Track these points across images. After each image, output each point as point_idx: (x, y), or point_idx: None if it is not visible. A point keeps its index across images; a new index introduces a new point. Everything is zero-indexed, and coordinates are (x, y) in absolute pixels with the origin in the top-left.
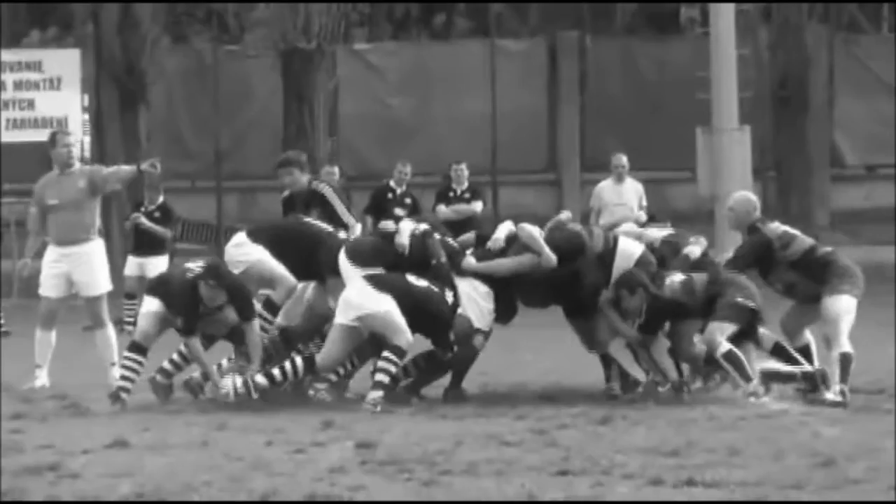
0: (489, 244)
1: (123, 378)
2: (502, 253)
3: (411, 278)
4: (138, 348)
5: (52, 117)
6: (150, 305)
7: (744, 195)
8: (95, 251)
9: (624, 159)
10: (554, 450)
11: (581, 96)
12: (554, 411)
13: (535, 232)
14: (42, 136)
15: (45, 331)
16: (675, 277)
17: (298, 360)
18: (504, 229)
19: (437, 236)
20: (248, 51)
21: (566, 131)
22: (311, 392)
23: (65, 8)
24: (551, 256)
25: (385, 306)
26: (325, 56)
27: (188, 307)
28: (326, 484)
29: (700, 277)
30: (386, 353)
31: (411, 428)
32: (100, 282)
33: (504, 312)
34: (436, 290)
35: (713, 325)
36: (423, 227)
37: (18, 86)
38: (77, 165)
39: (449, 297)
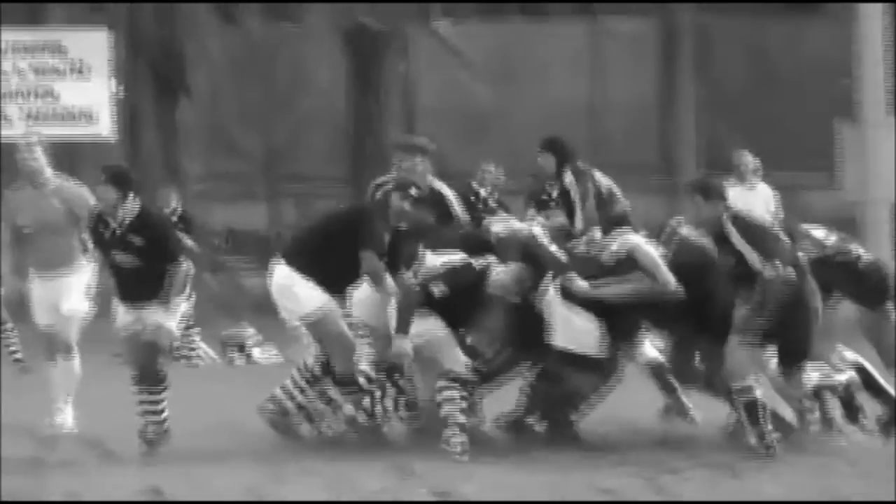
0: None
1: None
2: (613, 270)
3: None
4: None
5: (77, 109)
6: None
7: None
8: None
9: (748, 158)
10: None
11: (699, 85)
12: (667, 457)
13: (653, 254)
14: (67, 131)
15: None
16: None
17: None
18: (621, 243)
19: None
20: (307, 31)
21: (681, 125)
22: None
23: None
24: (669, 280)
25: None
26: (398, 37)
27: None
28: None
29: None
30: (443, 383)
31: (499, 476)
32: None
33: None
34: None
35: None
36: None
37: (36, 72)
38: (50, 181)
39: None
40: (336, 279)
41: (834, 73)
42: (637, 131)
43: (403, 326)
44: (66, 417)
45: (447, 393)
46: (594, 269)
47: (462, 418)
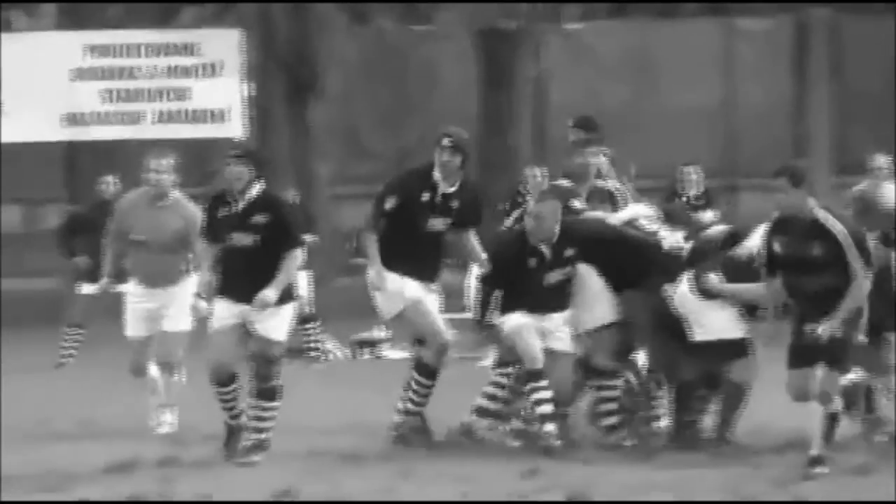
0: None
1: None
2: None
3: None
4: None
5: (209, 109)
6: None
7: None
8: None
9: (883, 160)
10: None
11: (833, 85)
12: (799, 459)
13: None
14: (198, 131)
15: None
16: None
17: None
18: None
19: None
20: (439, 32)
21: (816, 126)
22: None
23: None
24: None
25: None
26: (530, 38)
27: None
28: None
29: None
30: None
31: (628, 477)
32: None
33: None
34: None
35: None
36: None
37: (170, 72)
38: (172, 197)
39: None
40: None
41: None
42: (769, 131)
43: None
44: (165, 426)
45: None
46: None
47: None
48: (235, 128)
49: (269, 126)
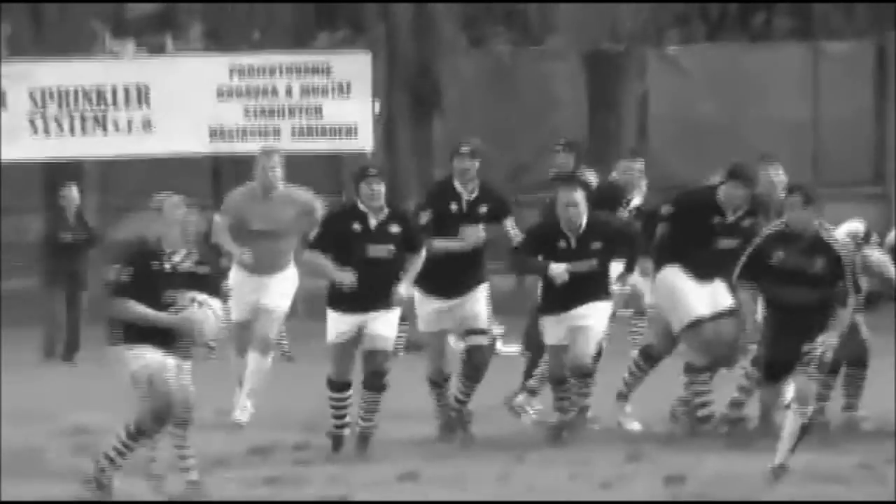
0: None
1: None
2: None
3: None
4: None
5: (341, 125)
6: None
7: None
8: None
9: None
10: (883, 488)
11: None
12: (887, 444)
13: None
14: (330, 145)
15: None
16: None
17: None
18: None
19: None
20: (550, 53)
21: (892, 140)
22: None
23: (355, 8)
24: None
25: None
26: (634, 59)
27: None
28: None
29: None
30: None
31: (725, 462)
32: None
33: None
34: None
35: None
36: None
37: (305, 91)
38: (280, 189)
39: None
40: None
41: None
42: (852, 146)
43: None
44: (245, 413)
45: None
46: None
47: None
48: (364, 142)
49: (394, 141)
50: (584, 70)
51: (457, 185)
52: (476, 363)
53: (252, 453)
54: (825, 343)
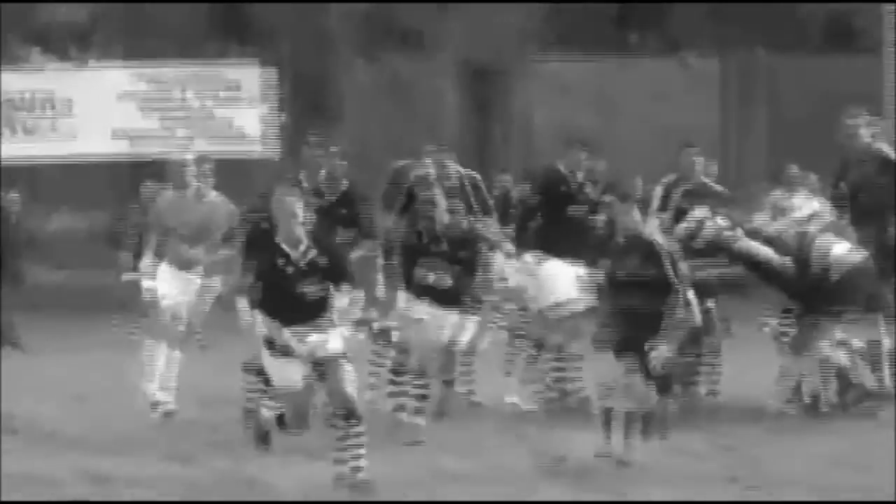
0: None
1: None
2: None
3: None
4: None
5: (248, 134)
6: None
7: None
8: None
9: (794, 170)
10: (749, 470)
11: (768, 113)
12: (752, 428)
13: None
14: (237, 148)
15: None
16: None
17: None
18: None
19: None
20: (441, 67)
21: (754, 148)
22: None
23: (263, 25)
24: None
25: None
26: (518, 73)
27: None
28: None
29: None
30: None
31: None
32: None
33: None
34: None
35: None
36: None
37: (215, 101)
38: (211, 196)
39: None
40: None
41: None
42: (714, 151)
43: None
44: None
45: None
46: None
47: None
48: (270, 148)
49: (297, 146)
50: (471, 83)
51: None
52: None
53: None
54: (657, 356)
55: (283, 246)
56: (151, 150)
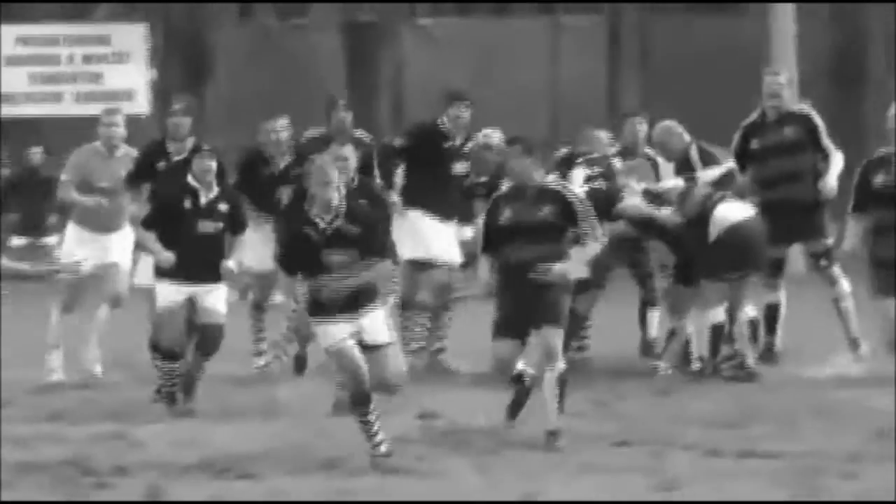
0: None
1: None
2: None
3: None
4: None
5: (119, 91)
6: None
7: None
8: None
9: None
10: (614, 422)
11: (641, 73)
12: (614, 383)
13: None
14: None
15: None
16: None
17: None
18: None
19: None
20: (313, 25)
21: (626, 106)
22: None
23: None
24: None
25: None
26: (389, 31)
27: None
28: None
29: None
30: None
31: (473, 399)
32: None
33: None
34: None
35: None
36: None
37: (87, 59)
38: (122, 148)
39: None
40: None
41: (756, 64)
42: (588, 112)
43: None
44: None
45: None
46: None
47: None
48: (141, 105)
49: (169, 104)
50: (342, 41)
51: (168, 144)
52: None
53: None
54: (558, 270)
55: (313, 213)
56: (31, 110)
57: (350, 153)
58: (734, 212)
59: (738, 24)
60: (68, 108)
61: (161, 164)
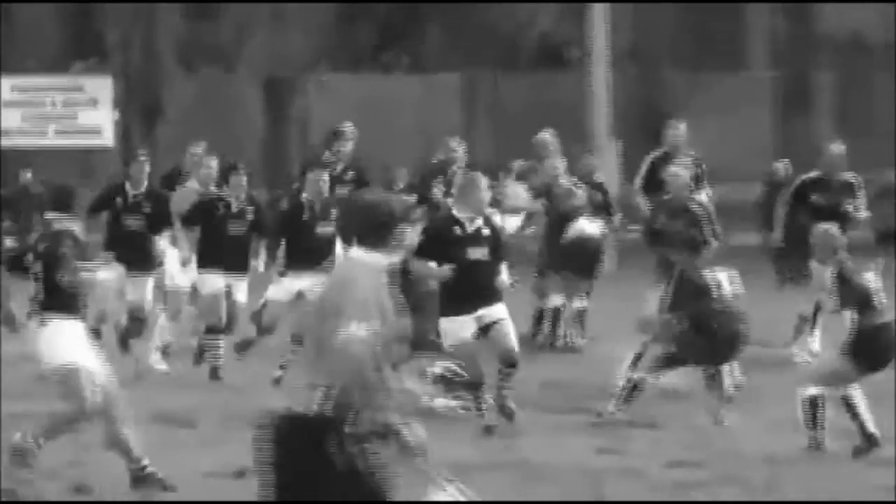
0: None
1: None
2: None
3: None
4: None
5: (90, 128)
6: None
7: None
8: None
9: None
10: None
11: (495, 118)
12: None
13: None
14: (83, 141)
15: None
16: None
17: None
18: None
19: None
20: (241, 78)
21: (481, 147)
22: None
23: (101, 42)
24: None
25: None
26: (298, 85)
27: None
28: None
29: None
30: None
31: None
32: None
33: None
34: None
35: None
36: None
37: (66, 103)
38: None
39: None
40: None
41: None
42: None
43: None
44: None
45: None
46: None
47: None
48: (107, 139)
49: (130, 141)
50: (262, 93)
51: (126, 184)
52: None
53: None
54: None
55: (459, 217)
56: (17, 141)
57: None
58: (589, 227)
59: (565, 79)
60: (51, 140)
61: (118, 200)
